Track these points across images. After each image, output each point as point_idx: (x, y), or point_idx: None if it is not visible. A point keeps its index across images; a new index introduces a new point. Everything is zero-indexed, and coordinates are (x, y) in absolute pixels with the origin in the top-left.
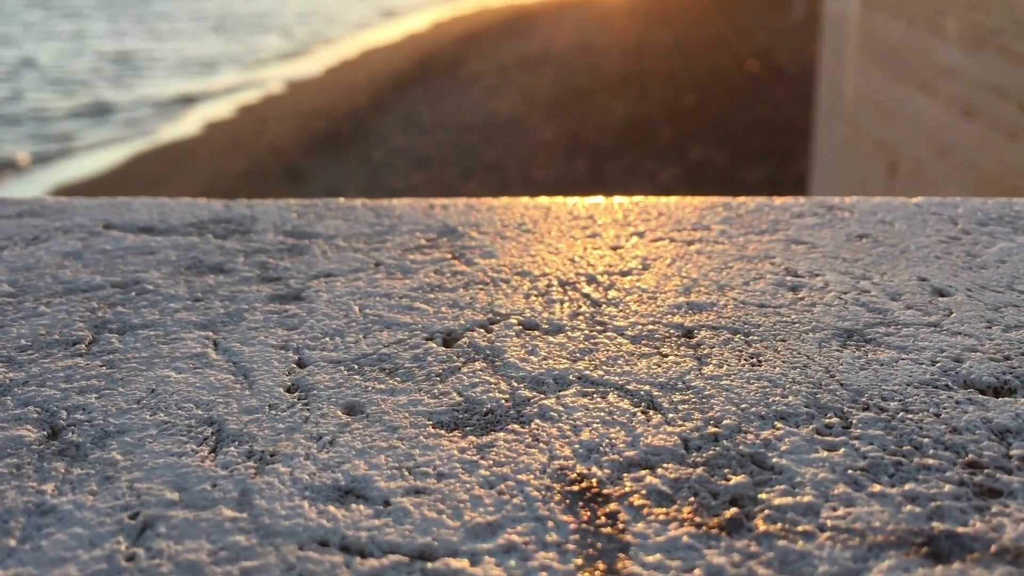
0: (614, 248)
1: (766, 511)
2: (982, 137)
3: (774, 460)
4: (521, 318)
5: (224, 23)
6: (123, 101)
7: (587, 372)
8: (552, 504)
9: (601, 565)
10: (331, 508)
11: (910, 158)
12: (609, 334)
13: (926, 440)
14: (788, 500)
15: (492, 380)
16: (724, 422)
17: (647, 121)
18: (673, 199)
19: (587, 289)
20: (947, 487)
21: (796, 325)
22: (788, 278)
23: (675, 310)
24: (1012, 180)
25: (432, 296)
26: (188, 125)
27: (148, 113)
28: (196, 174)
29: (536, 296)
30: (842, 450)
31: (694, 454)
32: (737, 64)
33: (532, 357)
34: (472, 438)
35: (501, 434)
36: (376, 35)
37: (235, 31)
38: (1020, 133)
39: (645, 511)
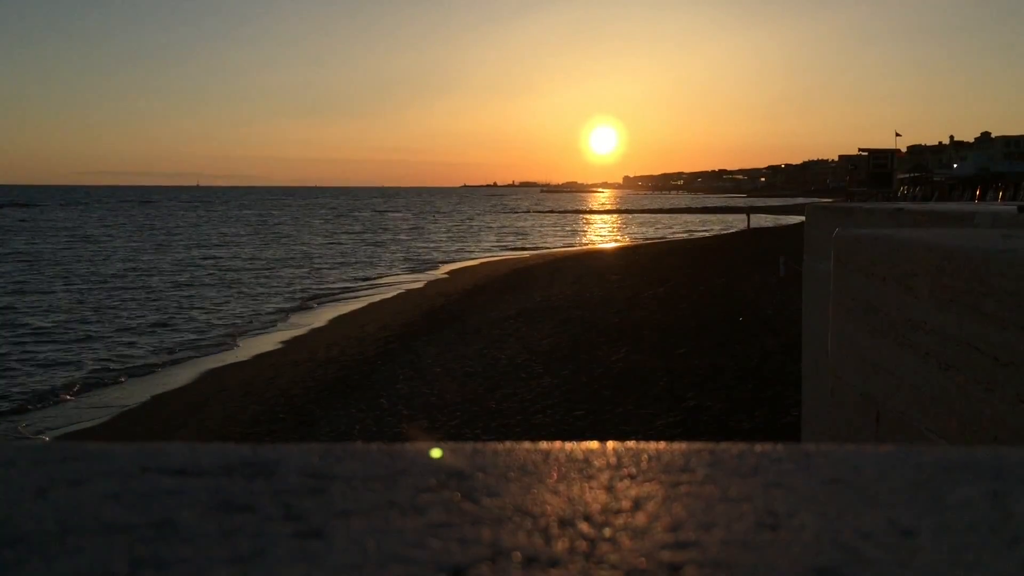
0: (608, 489)
1: None
2: (962, 390)
3: None
4: (523, 553)
5: (235, 286)
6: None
7: None
8: None
9: None
10: None
11: (893, 410)
12: (604, 569)
13: None
14: None
15: None
16: None
17: (643, 369)
18: (662, 444)
19: (583, 527)
20: None
21: (775, 562)
22: (768, 519)
23: (663, 547)
24: (995, 431)
25: (442, 533)
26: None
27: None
28: (210, 420)
29: (537, 533)
30: None
31: None
32: (728, 316)
33: None
34: None
35: None
36: (376, 292)
37: (244, 292)
38: (998, 387)
39: None
